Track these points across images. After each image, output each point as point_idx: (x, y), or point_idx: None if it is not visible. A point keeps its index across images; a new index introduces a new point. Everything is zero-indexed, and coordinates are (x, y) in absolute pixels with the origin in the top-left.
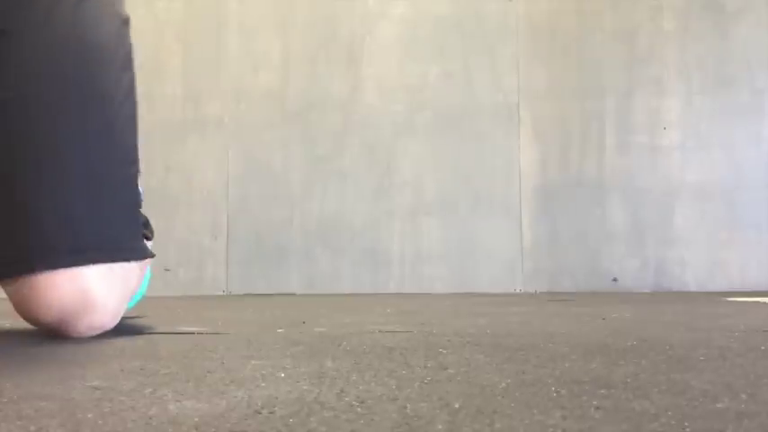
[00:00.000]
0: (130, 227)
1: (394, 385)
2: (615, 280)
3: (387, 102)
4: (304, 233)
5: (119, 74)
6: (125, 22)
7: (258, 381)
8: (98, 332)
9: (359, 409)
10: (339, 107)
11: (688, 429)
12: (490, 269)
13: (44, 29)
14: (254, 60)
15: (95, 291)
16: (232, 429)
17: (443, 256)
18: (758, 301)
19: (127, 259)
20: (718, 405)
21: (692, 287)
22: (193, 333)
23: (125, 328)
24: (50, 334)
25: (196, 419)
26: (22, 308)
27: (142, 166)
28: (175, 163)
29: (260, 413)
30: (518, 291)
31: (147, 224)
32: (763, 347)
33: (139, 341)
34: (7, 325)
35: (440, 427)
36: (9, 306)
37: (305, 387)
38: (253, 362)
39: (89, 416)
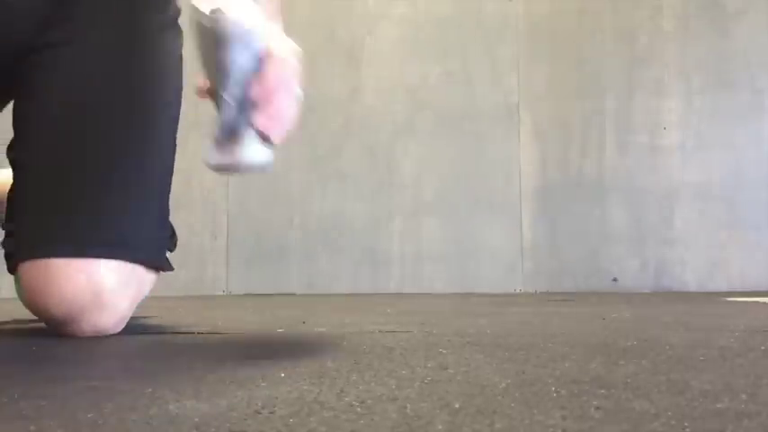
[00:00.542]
0: (158, 235)
1: (394, 385)
2: (615, 280)
3: (387, 102)
4: (304, 233)
5: (177, 89)
6: (182, 46)
7: (258, 381)
8: (102, 334)
9: (359, 409)
10: (339, 107)
11: (688, 429)
12: (490, 269)
13: (118, 44)
14: None
15: (109, 286)
16: (232, 429)
17: (443, 256)
18: (758, 301)
19: (147, 264)
20: (718, 405)
21: (692, 287)
22: (193, 333)
23: (126, 328)
24: (54, 331)
25: (196, 419)
26: (35, 296)
27: None
28: (175, 163)
29: (260, 413)
30: (518, 291)
31: (172, 235)
32: (763, 347)
33: (140, 341)
34: (8, 325)
35: (440, 427)
36: (9, 306)
37: (305, 387)
38: (253, 362)
39: (89, 416)
